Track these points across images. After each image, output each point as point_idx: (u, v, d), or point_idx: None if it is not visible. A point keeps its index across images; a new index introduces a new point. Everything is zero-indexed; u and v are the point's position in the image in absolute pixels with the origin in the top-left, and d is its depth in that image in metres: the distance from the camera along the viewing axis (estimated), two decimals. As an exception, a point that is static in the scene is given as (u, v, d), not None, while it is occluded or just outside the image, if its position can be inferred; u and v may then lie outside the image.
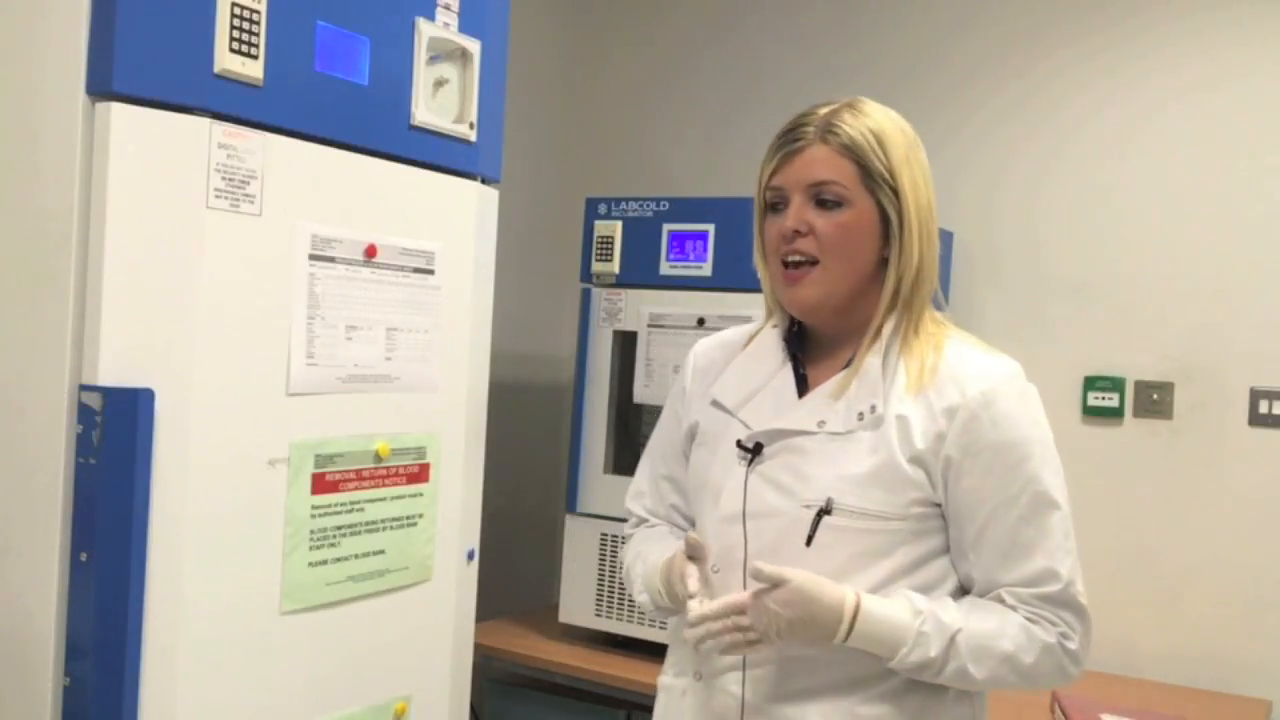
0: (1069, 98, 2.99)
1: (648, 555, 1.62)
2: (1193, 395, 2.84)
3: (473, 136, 2.08)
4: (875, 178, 1.44)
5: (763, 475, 1.47)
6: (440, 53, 2.02)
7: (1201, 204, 2.85)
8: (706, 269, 2.74)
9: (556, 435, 3.56)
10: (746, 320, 2.67)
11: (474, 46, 2.07)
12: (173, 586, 1.62)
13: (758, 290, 2.62)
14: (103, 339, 1.55)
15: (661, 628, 2.76)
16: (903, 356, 1.46)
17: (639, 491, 1.73)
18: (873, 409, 1.43)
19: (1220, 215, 2.83)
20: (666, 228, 2.79)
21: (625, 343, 2.86)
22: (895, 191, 1.44)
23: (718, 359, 1.63)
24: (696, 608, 1.42)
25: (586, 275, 2.90)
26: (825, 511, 1.41)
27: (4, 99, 1.63)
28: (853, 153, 1.44)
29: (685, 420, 1.64)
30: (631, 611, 2.81)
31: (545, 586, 3.55)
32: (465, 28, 2.06)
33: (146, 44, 1.57)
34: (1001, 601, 1.42)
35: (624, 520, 2.77)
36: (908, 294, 1.47)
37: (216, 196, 1.66)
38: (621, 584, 2.80)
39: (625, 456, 2.91)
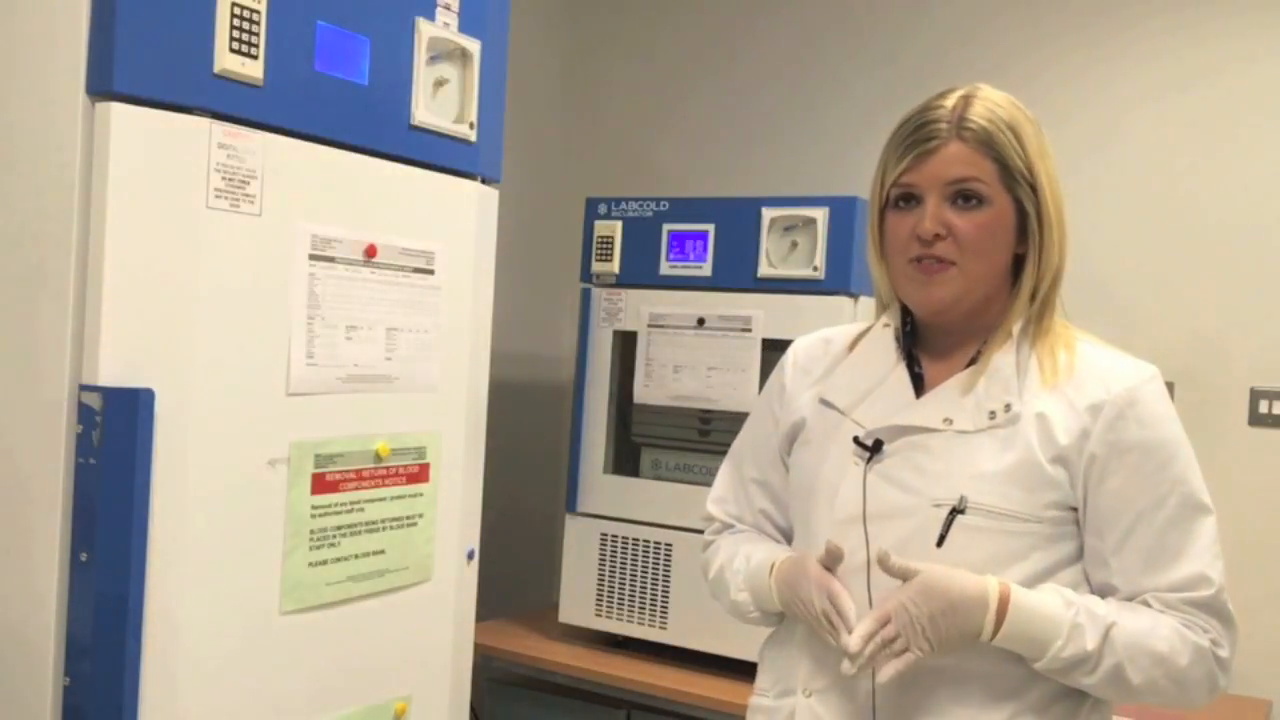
0: (1066, 94, 2.99)
1: (752, 555, 1.53)
2: (1193, 395, 2.84)
3: (473, 136, 2.08)
4: (1015, 175, 1.38)
5: (883, 474, 1.40)
6: (440, 53, 2.02)
7: (1201, 204, 2.85)
8: (706, 269, 2.74)
9: (556, 435, 3.56)
10: (746, 320, 2.70)
11: (474, 46, 2.07)
12: (173, 586, 1.62)
13: (756, 290, 2.67)
14: (103, 339, 1.55)
15: (662, 628, 2.76)
16: (1034, 353, 1.41)
17: (721, 497, 1.65)
18: (1008, 408, 1.37)
19: (1220, 215, 2.83)
20: (666, 228, 2.79)
21: (625, 343, 2.86)
22: (1033, 188, 1.39)
23: (819, 356, 1.57)
24: (852, 644, 1.32)
25: (586, 275, 2.90)
26: (958, 510, 1.34)
27: (4, 99, 1.63)
28: (992, 149, 1.37)
29: (784, 420, 1.56)
30: (631, 611, 2.81)
31: (545, 586, 3.55)
32: (465, 28, 2.06)
33: (146, 44, 1.57)
34: (1148, 606, 1.35)
35: (624, 520, 2.82)
36: (1045, 294, 1.42)
37: (216, 196, 1.66)
38: (622, 584, 2.81)
39: (625, 456, 2.91)
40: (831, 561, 1.39)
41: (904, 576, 1.31)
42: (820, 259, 2.59)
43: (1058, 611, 1.31)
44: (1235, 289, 2.81)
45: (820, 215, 2.59)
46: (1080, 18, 3.00)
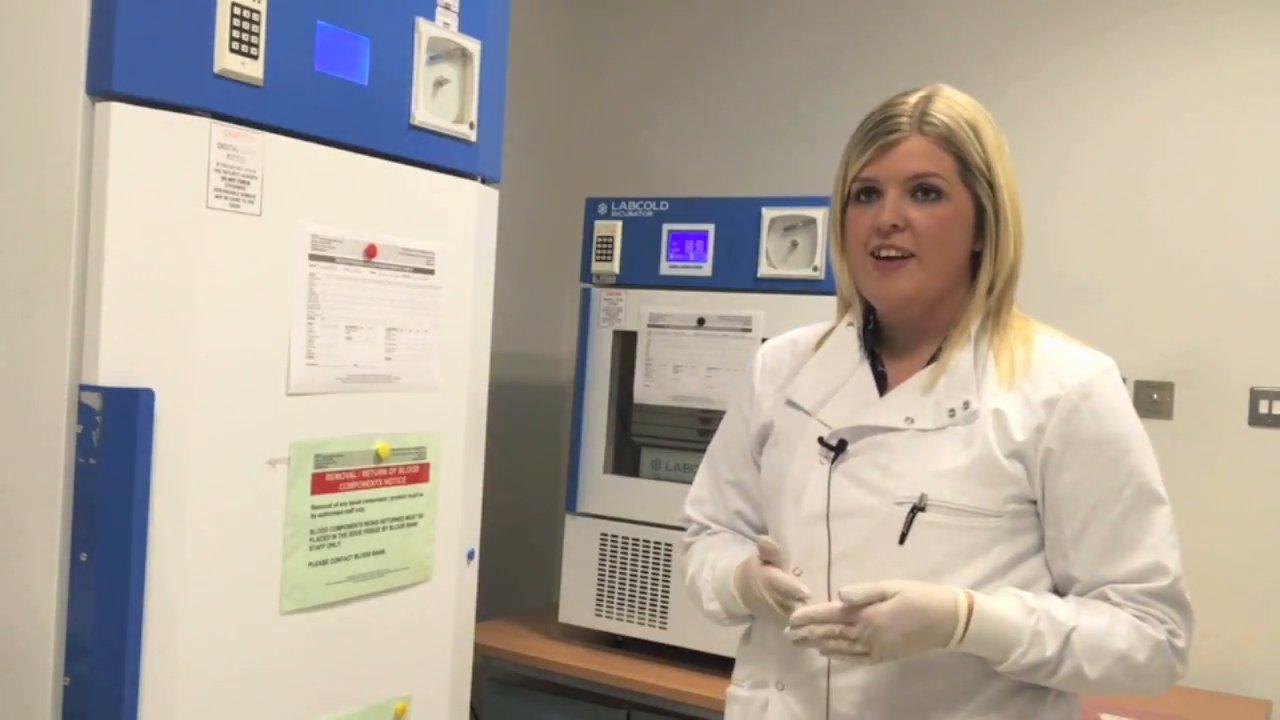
0: (1071, 100, 2.99)
1: (716, 562, 1.56)
2: (1193, 395, 2.84)
3: (473, 136, 2.08)
4: (973, 170, 1.40)
5: (847, 474, 1.43)
6: (440, 53, 2.02)
7: (1201, 204, 2.85)
8: (706, 269, 2.74)
9: (556, 435, 3.56)
10: (746, 320, 2.70)
11: (474, 46, 2.07)
12: (173, 586, 1.62)
13: (756, 290, 2.67)
14: (103, 339, 1.55)
15: (662, 628, 2.76)
16: (991, 350, 1.43)
17: (698, 498, 1.67)
18: (966, 405, 1.39)
19: (1220, 215, 2.83)
20: (666, 228, 2.79)
21: (625, 343, 2.86)
22: (991, 185, 1.41)
23: (787, 358, 1.59)
24: (802, 607, 1.35)
25: (586, 275, 2.90)
26: (919, 508, 1.37)
27: (4, 99, 1.63)
28: (951, 144, 1.39)
29: (754, 422, 1.59)
30: (631, 611, 2.81)
31: (545, 586, 3.55)
32: (465, 28, 2.06)
33: (146, 44, 1.57)
34: (1106, 599, 1.38)
35: (624, 520, 2.82)
36: (1001, 290, 1.44)
37: (216, 196, 1.66)
38: (622, 584, 2.81)
39: (625, 456, 2.91)
40: (768, 556, 1.43)
41: (879, 598, 1.31)
42: (820, 259, 2.59)
43: (1019, 619, 1.33)
44: (1235, 289, 2.81)
45: (820, 215, 2.59)
46: (1080, 16, 3.00)
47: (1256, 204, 2.80)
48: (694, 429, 2.79)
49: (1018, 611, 1.34)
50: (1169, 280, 2.88)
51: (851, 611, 1.31)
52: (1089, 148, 2.96)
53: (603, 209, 2.88)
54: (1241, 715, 2.64)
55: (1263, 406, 2.77)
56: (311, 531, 1.82)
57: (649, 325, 2.79)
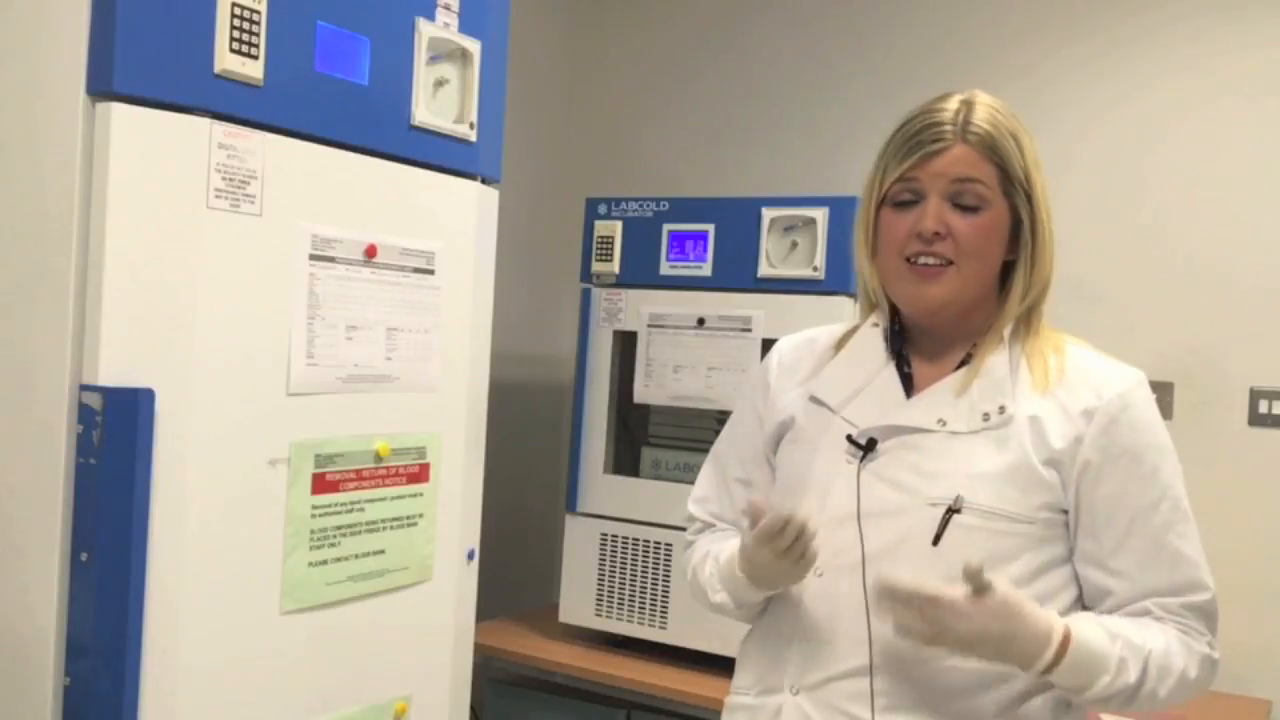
0: (1071, 99, 2.99)
1: (720, 554, 1.54)
2: (1193, 395, 2.84)
3: (473, 136, 2.08)
4: (1014, 181, 1.41)
5: (876, 473, 1.41)
6: (440, 53, 2.02)
7: (1201, 204, 2.85)
8: (706, 269, 2.74)
9: (556, 435, 3.56)
10: (746, 320, 2.70)
11: (474, 46, 2.07)
12: (173, 586, 1.62)
13: (756, 290, 2.67)
14: (103, 339, 1.55)
15: (662, 628, 2.76)
16: (1024, 357, 1.43)
17: (703, 496, 1.66)
18: (1001, 410, 1.39)
19: (1220, 215, 2.83)
20: (666, 228, 2.79)
21: (625, 343, 2.86)
22: (1029, 195, 1.42)
23: (805, 355, 1.58)
24: (889, 574, 1.30)
25: (586, 275, 2.90)
26: (954, 510, 1.35)
27: (4, 99, 1.63)
28: (996, 154, 1.40)
29: (770, 419, 1.57)
30: (631, 611, 2.81)
31: (545, 586, 3.55)
32: (465, 28, 2.06)
33: (146, 44, 1.57)
34: (1148, 613, 1.37)
35: (624, 520, 2.82)
36: (1035, 299, 1.45)
37: (216, 196, 1.66)
38: (622, 584, 2.81)
39: (625, 456, 2.91)
40: (758, 517, 1.39)
41: (982, 589, 1.27)
42: (820, 259, 2.59)
43: (1105, 647, 1.31)
44: (1235, 289, 2.81)
45: (820, 215, 2.60)
46: (1080, 14, 3.00)
47: (1257, 203, 2.80)
48: (694, 429, 2.79)
49: (1103, 639, 1.31)
50: (1169, 280, 2.88)
51: (937, 599, 1.27)
52: (1088, 147, 2.96)
53: (603, 209, 2.88)
54: (1241, 715, 2.64)
55: (1263, 406, 2.77)
56: (312, 531, 1.82)
57: (649, 325, 2.79)
